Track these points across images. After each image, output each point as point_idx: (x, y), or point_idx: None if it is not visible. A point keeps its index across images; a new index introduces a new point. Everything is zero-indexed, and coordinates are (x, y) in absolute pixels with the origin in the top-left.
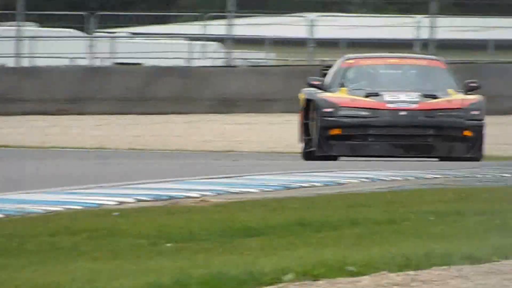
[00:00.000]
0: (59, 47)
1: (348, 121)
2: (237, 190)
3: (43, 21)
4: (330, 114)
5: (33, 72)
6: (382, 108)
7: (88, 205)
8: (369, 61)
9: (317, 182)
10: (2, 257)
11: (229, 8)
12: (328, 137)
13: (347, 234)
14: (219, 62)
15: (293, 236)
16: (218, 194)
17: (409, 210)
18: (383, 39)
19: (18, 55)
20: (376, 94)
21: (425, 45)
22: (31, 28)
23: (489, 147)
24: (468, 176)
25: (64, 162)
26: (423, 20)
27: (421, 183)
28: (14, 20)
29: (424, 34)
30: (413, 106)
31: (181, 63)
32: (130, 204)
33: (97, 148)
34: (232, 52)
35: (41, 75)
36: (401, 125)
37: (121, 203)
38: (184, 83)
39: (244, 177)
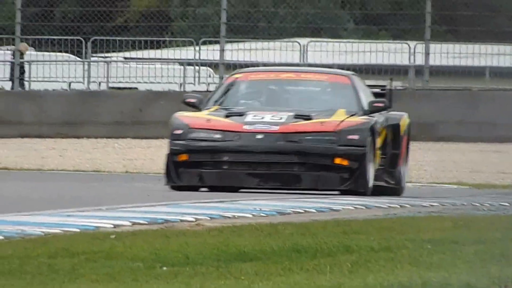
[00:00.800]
0: (56, 71)
1: (196, 145)
2: (231, 214)
3: (40, 46)
4: (178, 137)
5: (31, 95)
6: (237, 130)
7: (85, 227)
8: (259, 76)
9: (311, 208)
10: (2, 279)
11: (221, 34)
12: (176, 164)
13: (343, 261)
14: (212, 87)
15: (288, 262)
16: (213, 218)
17: (405, 237)
18: (377, 65)
19: (15, 79)
20: (240, 114)
21: (419, 72)
22: (28, 52)
23: (486, 175)
24: (465, 204)
25: (61, 185)
26: (417, 46)
27: (418, 210)
28: (11, 44)
29: (418, 60)
30: (273, 128)
31: (175, 87)
32: (126, 227)
33: (93, 171)
34: (224, 77)
35: (38, 99)
36: (257, 150)
37: (117, 226)
38: (177, 107)
39: (238, 202)
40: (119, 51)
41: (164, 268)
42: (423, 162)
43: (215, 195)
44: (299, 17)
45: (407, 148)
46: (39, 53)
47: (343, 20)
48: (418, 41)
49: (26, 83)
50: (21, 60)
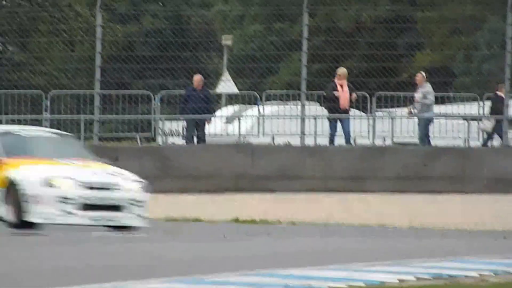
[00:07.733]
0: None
1: None
2: None
3: (324, 101)
4: None
5: (316, 150)
6: None
7: (370, 282)
8: None
9: None
10: None
11: (505, 89)
12: None
13: None
14: (496, 142)
15: None
16: (497, 274)
17: None
18: None
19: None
20: None
21: None
22: (314, 108)
23: None
24: None
25: (347, 240)
26: None
27: None
28: (297, 100)
29: None
30: None
31: (459, 143)
32: (411, 282)
33: (378, 226)
34: (508, 132)
35: (324, 154)
36: None
37: (402, 280)
38: (461, 163)
39: None
40: (404, 106)
41: None
42: None
43: (502, 250)
44: None
45: None
46: (324, 108)
47: None
48: None
49: (313, 138)
50: (306, 115)
